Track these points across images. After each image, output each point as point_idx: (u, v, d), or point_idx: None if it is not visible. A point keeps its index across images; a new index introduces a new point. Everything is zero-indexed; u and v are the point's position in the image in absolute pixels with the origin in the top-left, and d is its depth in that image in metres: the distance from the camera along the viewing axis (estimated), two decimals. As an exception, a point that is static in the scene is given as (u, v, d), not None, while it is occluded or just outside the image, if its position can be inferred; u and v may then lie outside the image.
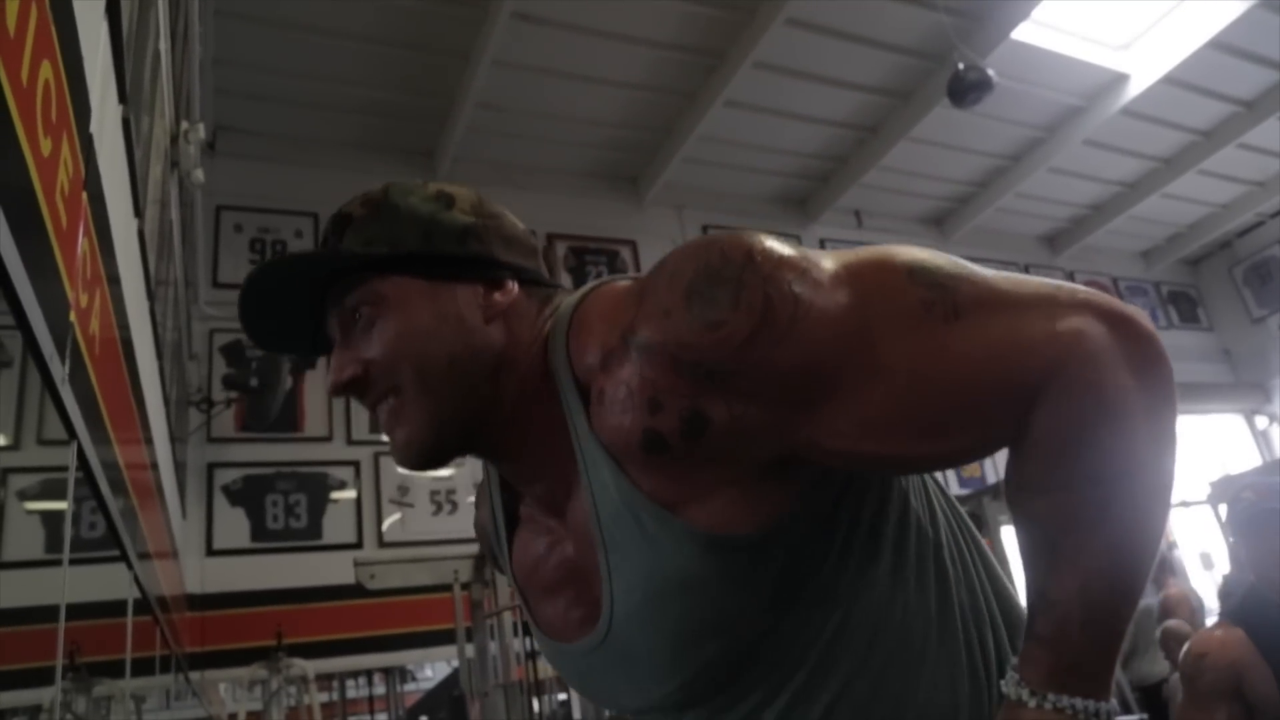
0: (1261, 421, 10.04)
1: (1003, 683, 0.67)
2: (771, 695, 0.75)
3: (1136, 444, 0.64)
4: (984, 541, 0.87)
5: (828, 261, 0.68)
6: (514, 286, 0.78)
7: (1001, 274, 0.69)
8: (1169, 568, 4.60)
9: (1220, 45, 6.69)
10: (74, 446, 1.16)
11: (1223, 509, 6.99)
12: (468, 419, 0.76)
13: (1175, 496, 0.68)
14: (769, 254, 0.66)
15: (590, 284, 0.80)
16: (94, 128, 1.22)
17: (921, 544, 0.78)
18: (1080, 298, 0.66)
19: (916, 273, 0.67)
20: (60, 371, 1.00)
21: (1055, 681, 0.64)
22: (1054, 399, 0.64)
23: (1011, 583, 0.84)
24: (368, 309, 0.75)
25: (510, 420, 0.77)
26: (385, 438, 0.80)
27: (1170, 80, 6.95)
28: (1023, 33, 6.23)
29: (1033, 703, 0.64)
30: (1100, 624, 0.64)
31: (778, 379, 0.65)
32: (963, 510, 0.87)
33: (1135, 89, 7.01)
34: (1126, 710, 5.52)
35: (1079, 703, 0.63)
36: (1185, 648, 1.90)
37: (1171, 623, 4.57)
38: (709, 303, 0.65)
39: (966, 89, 5.60)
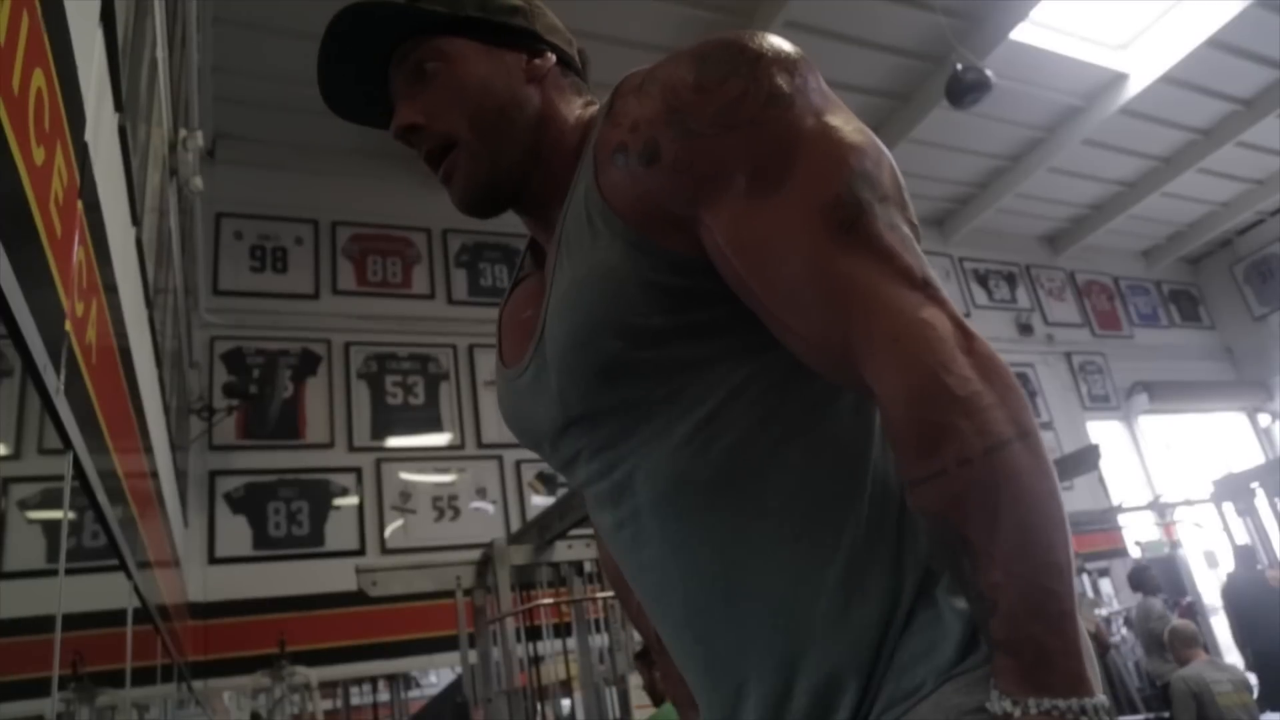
0: (1264, 419, 10.04)
1: (988, 705, 0.66)
2: (669, 426, 0.79)
3: (995, 425, 0.66)
4: None
5: (822, 104, 0.77)
6: (552, 58, 0.90)
7: (901, 232, 0.74)
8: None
9: (1219, 44, 6.69)
10: (69, 456, 1.16)
11: (1227, 507, 6.98)
12: (516, 164, 0.87)
13: (1053, 472, 0.67)
14: (777, 59, 0.77)
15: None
16: (89, 136, 1.22)
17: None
18: (940, 295, 0.71)
19: (854, 176, 0.73)
20: (54, 382, 1.00)
21: (1031, 683, 0.63)
22: (891, 376, 0.69)
23: None
24: (431, 64, 0.86)
25: (541, 169, 0.88)
26: (442, 183, 0.89)
27: (1169, 79, 6.96)
28: (1021, 33, 6.24)
29: (1017, 712, 0.63)
30: (1043, 609, 0.64)
31: (712, 155, 0.75)
32: None
33: (1134, 88, 7.02)
34: (1133, 709, 5.51)
35: (1061, 703, 0.62)
36: None
37: (1178, 623, 4.57)
38: (708, 73, 0.76)
39: (965, 90, 5.60)
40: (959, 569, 0.68)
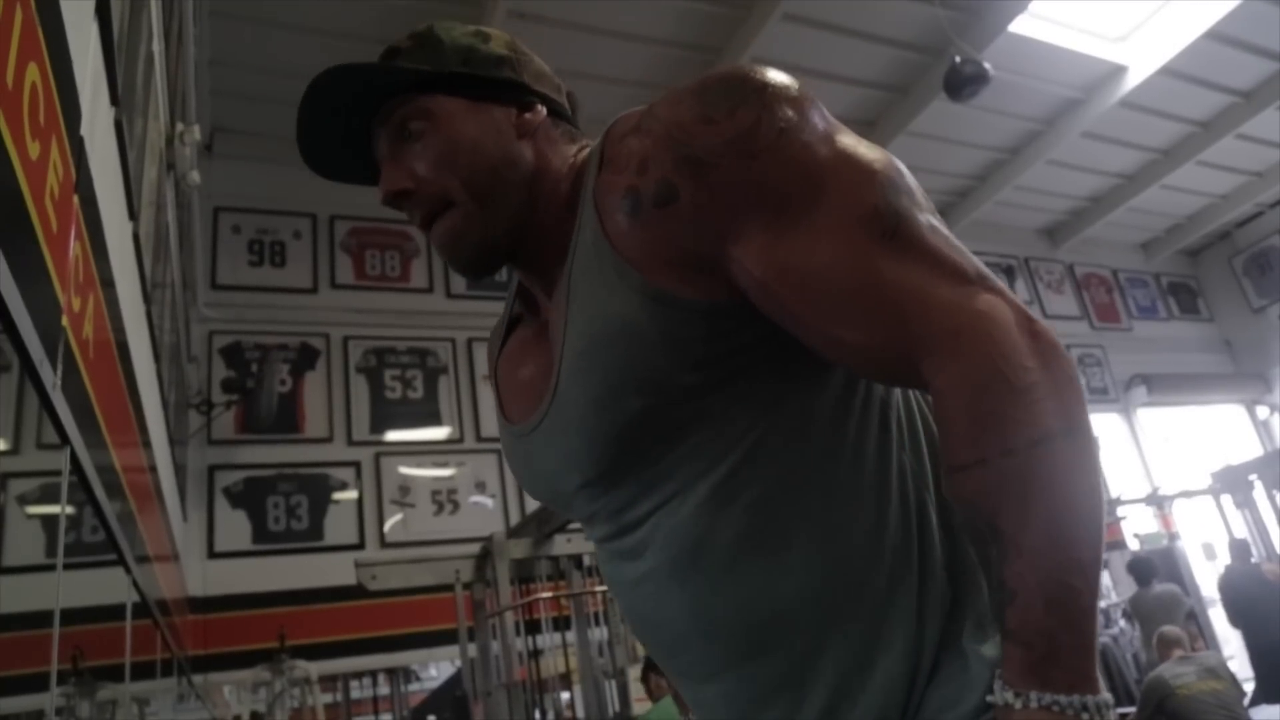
0: (1262, 411, 10.05)
1: (990, 696, 0.67)
2: (689, 486, 0.78)
3: (1045, 417, 0.66)
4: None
5: (835, 131, 0.76)
6: (542, 110, 0.87)
7: (942, 233, 0.74)
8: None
9: (1218, 36, 6.67)
10: (66, 451, 1.16)
11: (1225, 499, 6.99)
12: (511, 223, 0.85)
13: (1099, 469, 0.68)
14: (781, 90, 0.75)
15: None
16: (85, 130, 1.22)
17: (870, 396, 0.81)
18: (996, 285, 0.72)
19: (888, 187, 0.73)
20: (51, 377, 0.99)
21: (1035, 676, 0.63)
22: (953, 368, 0.69)
23: None
24: (416, 124, 0.83)
25: (536, 225, 0.86)
26: (436, 249, 0.87)
27: (1168, 71, 6.94)
28: (1020, 25, 6.22)
29: (1018, 704, 0.63)
30: (1061, 604, 0.64)
31: (735, 188, 0.73)
32: (927, 403, 0.89)
33: (1133, 80, 7.00)
34: (1130, 700, 5.53)
35: (1063, 699, 0.62)
36: None
37: (1166, 628, 4.61)
38: (714, 105, 0.75)
39: (963, 83, 5.59)
40: (985, 556, 0.68)
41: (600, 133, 0.85)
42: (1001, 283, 0.72)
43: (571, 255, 0.81)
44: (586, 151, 0.87)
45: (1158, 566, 6.36)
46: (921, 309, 0.70)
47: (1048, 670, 0.63)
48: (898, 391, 0.84)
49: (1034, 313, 0.71)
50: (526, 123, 0.86)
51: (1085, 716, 0.62)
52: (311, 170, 0.89)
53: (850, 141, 0.76)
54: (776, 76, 0.76)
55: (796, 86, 0.77)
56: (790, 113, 0.74)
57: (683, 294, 0.75)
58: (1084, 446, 0.67)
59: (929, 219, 0.74)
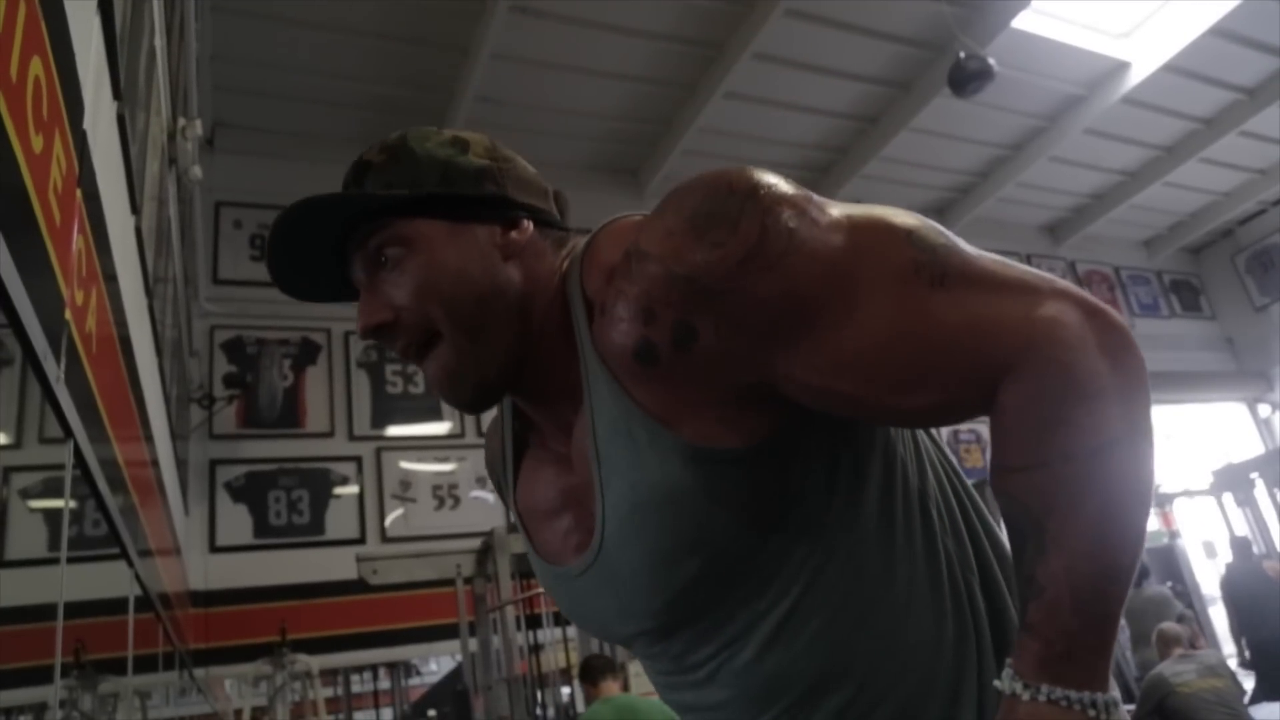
0: (1264, 410, 10.04)
1: (997, 682, 0.67)
2: (754, 625, 0.76)
3: (1109, 423, 0.65)
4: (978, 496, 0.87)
5: (832, 208, 0.72)
6: (529, 226, 0.81)
7: (989, 255, 0.72)
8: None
9: (1221, 32, 6.66)
10: (70, 445, 1.16)
11: (1226, 497, 6.99)
12: (505, 355, 0.79)
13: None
14: (773, 189, 0.70)
15: (602, 221, 0.84)
16: (87, 124, 1.22)
17: (908, 491, 0.80)
18: (1059, 287, 0.69)
19: (913, 235, 0.70)
20: (55, 370, 1.00)
21: (1048, 671, 0.63)
22: (1026, 378, 0.66)
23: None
24: (392, 251, 0.77)
25: (533, 355, 0.80)
26: (431, 387, 0.82)
27: (1171, 68, 6.93)
28: (1023, 21, 6.21)
29: (1026, 695, 0.63)
30: (1090, 607, 0.64)
31: (763, 306, 0.68)
32: (953, 459, 0.88)
33: (1136, 77, 6.99)
34: (1129, 699, 5.53)
35: (1073, 694, 0.62)
36: None
37: (1164, 624, 4.62)
38: (709, 226, 0.69)
39: (968, 78, 5.58)
40: (1022, 548, 0.67)
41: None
42: (1064, 282, 0.70)
43: (590, 411, 0.76)
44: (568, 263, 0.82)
45: (1149, 568, 6.36)
46: (991, 337, 0.67)
47: (1062, 666, 0.63)
48: (930, 476, 0.83)
49: (1101, 304, 0.69)
50: (512, 242, 0.79)
51: (1093, 713, 0.62)
52: (286, 295, 0.83)
53: (853, 213, 0.72)
54: (761, 176, 0.71)
55: (783, 179, 0.72)
56: (791, 209, 0.69)
57: (724, 444, 0.72)
58: (1143, 450, 0.66)
59: (964, 244, 0.72)
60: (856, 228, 0.70)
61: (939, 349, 0.68)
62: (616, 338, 0.73)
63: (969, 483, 0.87)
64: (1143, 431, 0.66)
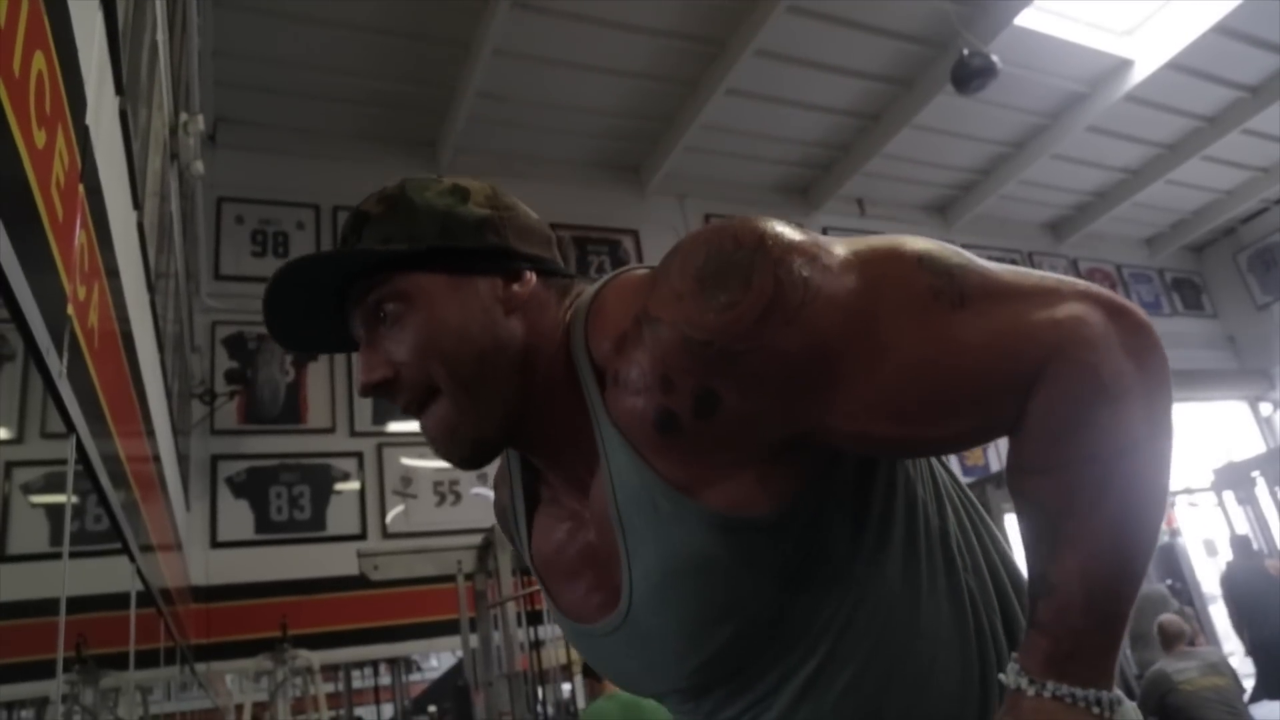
0: (1266, 408, 10.02)
1: (1002, 676, 0.67)
2: (785, 680, 0.76)
3: (1133, 425, 0.65)
4: (994, 526, 0.87)
5: (838, 247, 0.70)
6: (532, 277, 0.79)
7: (1004, 266, 0.71)
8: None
9: (1225, 30, 6.65)
10: (72, 440, 1.16)
11: (1227, 496, 6.99)
12: (505, 412, 0.77)
13: (1174, 483, 0.67)
14: (780, 239, 0.68)
15: (608, 275, 0.81)
16: (90, 119, 1.22)
17: (930, 533, 0.79)
18: (1080, 288, 0.68)
19: (925, 261, 0.68)
20: (57, 365, 1.00)
21: (1054, 668, 0.64)
22: (1052, 381, 0.65)
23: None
24: (391, 306, 0.75)
25: (537, 410, 0.78)
26: (424, 437, 0.80)
27: (1174, 66, 6.92)
28: (1026, 18, 6.21)
29: (1031, 690, 0.64)
30: (1101, 607, 0.64)
31: (787, 360, 0.66)
32: (971, 494, 0.87)
33: (1139, 75, 6.98)
34: (1130, 696, 5.53)
35: (1079, 691, 0.63)
36: None
37: (1166, 616, 4.61)
38: (720, 284, 0.66)
39: (971, 75, 5.58)
40: (1035, 546, 0.67)
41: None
42: (1085, 282, 0.69)
43: (609, 478, 0.75)
44: (577, 301, 0.80)
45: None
46: (1019, 349, 0.66)
47: (1069, 664, 0.64)
48: (950, 511, 0.82)
49: (1125, 302, 0.68)
50: (515, 296, 0.77)
51: (1098, 710, 0.62)
52: (285, 349, 0.83)
53: (861, 248, 0.70)
54: (766, 225, 0.69)
55: (787, 225, 0.70)
56: (802, 257, 0.67)
57: (754, 511, 0.70)
58: (1163, 451, 0.66)
59: (975, 260, 0.70)
60: (868, 264, 0.68)
61: (971, 373, 0.66)
62: (634, 409, 0.71)
63: (982, 509, 0.87)
64: (1164, 432, 0.66)
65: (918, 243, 0.70)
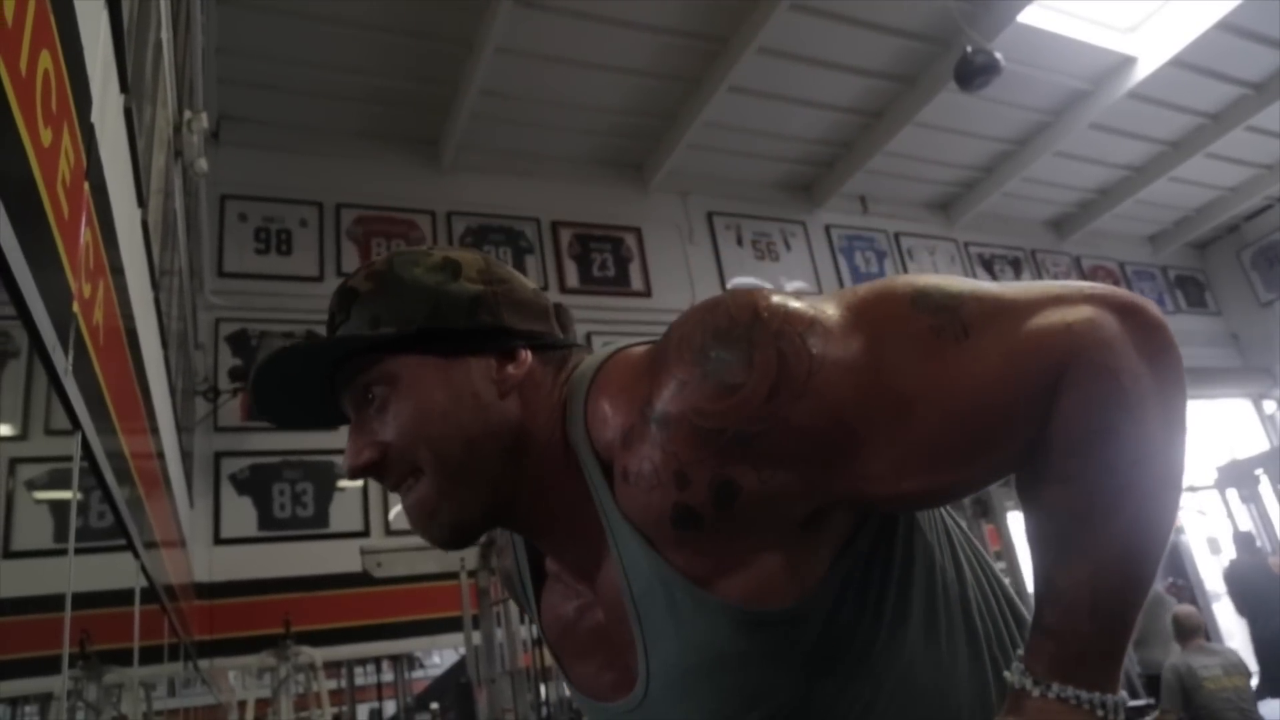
0: (1269, 406, 10.01)
1: (1006, 674, 0.67)
2: None
3: (1151, 431, 0.64)
4: (1010, 587, 0.86)
5: (831, 308, 0.68)
6: (527, 356, 0.76)
7: (1005, 284, 0.69)
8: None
9: (1228, 27, 6.64)
10: (78, 437, 1.17)
11: (1230, 493, 6.99)
12: (491, 497, 0.75)
13: (1184, 483, 0.66)
14: (775, 310, 0.66)
15: (603, 352, 0.79)
16: (95, 117, 1.22)
17: (950, 603, 0.78)
18: (1086, 291, 0.66)
19: (920, 300, 0.66)
20: (63, 362, 1.00)
21: (1060, 671, 0.63)
22: (1073, 386, 0.63)
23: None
24: (380, 389, 0.74)
25: (535, 495, 0.76)
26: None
27: (1178, 63, 6.90)
28: (1029, 16, 6.20)
29: (1036, 691, 0.64)
30: (1109, 613, 0.64)
31: (803, 435, 0.64)
32: (985, 553, 0.87)
33: (1142, 72, 6.97)
34: (1134, 695, 5.54)
35: (1084, 694, 0.63)
36: None
37: (1182, 608, 4.59)
38: (722, 366, 0.64)
39: (974, 72, 5.57)
40: (1045, 551, 0.66)
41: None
42: (1090, 284, 0.67)
43: (622, 570, 0.73)
44: (566, 390, 0.77)
45: None
46: (1033, 363, 0.64)
47: (1074, 667, 0.63)
48: (968, 573, 0.82)
49: (1137, 300, 0.66)
50: (509, 377, 0.75)
51: (1101, 714, 0.62)
52: (277, 427, 0.82)
53: (853, 301, 0.68)
54: (758, 298, 0.67)
55: (778, 294, 0.68)
56: (800, 324, 0.65)
57: (775, 604, 0.69)
58: (1179, 457, 0.66)
59: (972, 285, 0.68)
60: (864, 317, 0.66)
61: (993, 403, 0.64)
62: (649, 505, 0.68)
63: (996, 570, 0.86)
64: (1180, 435, 0.66)
65: (908, 282, 0.68)
